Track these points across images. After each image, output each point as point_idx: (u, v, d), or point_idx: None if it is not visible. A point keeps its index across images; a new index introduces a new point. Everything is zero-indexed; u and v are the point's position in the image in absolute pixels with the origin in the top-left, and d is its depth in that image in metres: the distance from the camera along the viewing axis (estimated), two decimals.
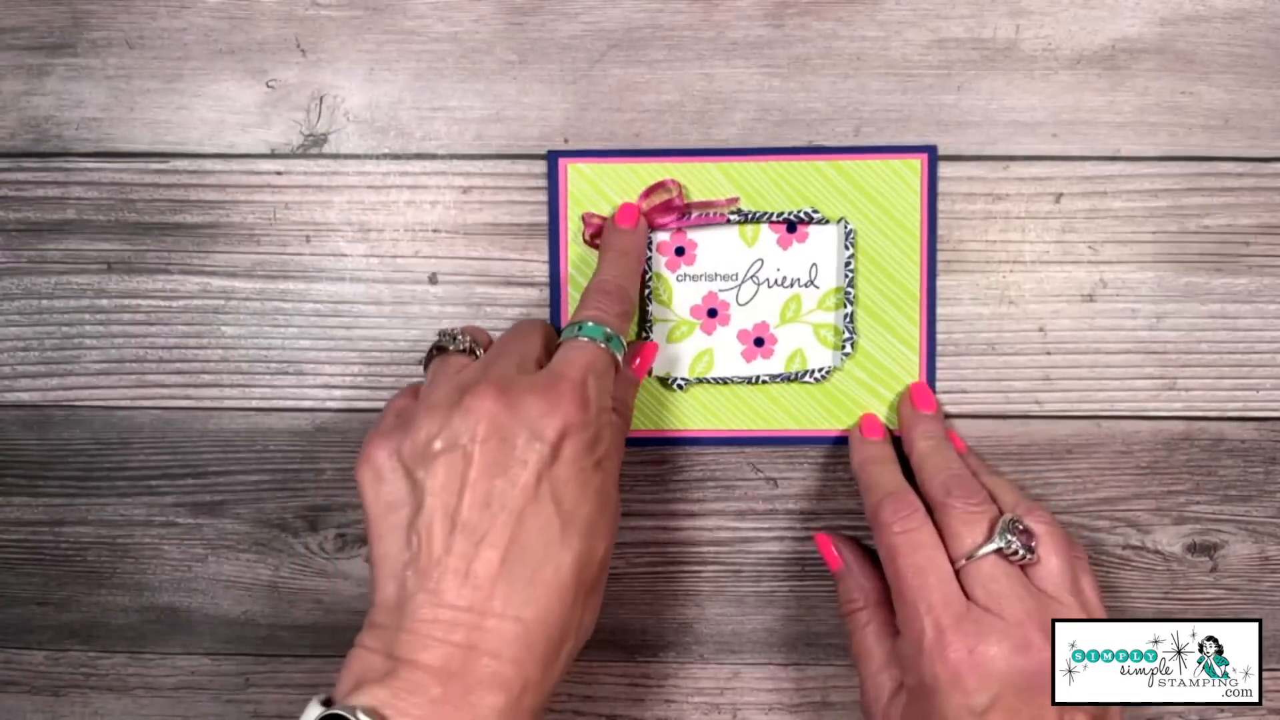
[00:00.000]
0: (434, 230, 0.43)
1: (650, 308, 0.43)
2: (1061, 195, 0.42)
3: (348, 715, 0.28)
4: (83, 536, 0.45)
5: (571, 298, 0.43)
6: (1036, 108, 0.42)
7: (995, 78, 0.42)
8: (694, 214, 0.42)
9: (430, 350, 0.38)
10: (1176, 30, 0.42)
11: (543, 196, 0.43)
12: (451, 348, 0.37)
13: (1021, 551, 0.36)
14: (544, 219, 0.43)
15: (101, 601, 0.45)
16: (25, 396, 0.44)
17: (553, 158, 0.42)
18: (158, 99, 0.43)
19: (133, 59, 0.43)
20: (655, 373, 0.43)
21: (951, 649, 0.34)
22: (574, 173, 0.42)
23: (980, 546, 0.36)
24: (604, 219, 0.42)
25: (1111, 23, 0.42)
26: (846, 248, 0.42)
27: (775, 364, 0.43)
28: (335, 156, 0.43)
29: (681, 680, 0.45)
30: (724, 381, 0.43)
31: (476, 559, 0.30)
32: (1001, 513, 0.37)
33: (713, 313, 0.43)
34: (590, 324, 0.36)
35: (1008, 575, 0.35)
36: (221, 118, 0.43)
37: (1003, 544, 0.35)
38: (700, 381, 0.43)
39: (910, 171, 0.42)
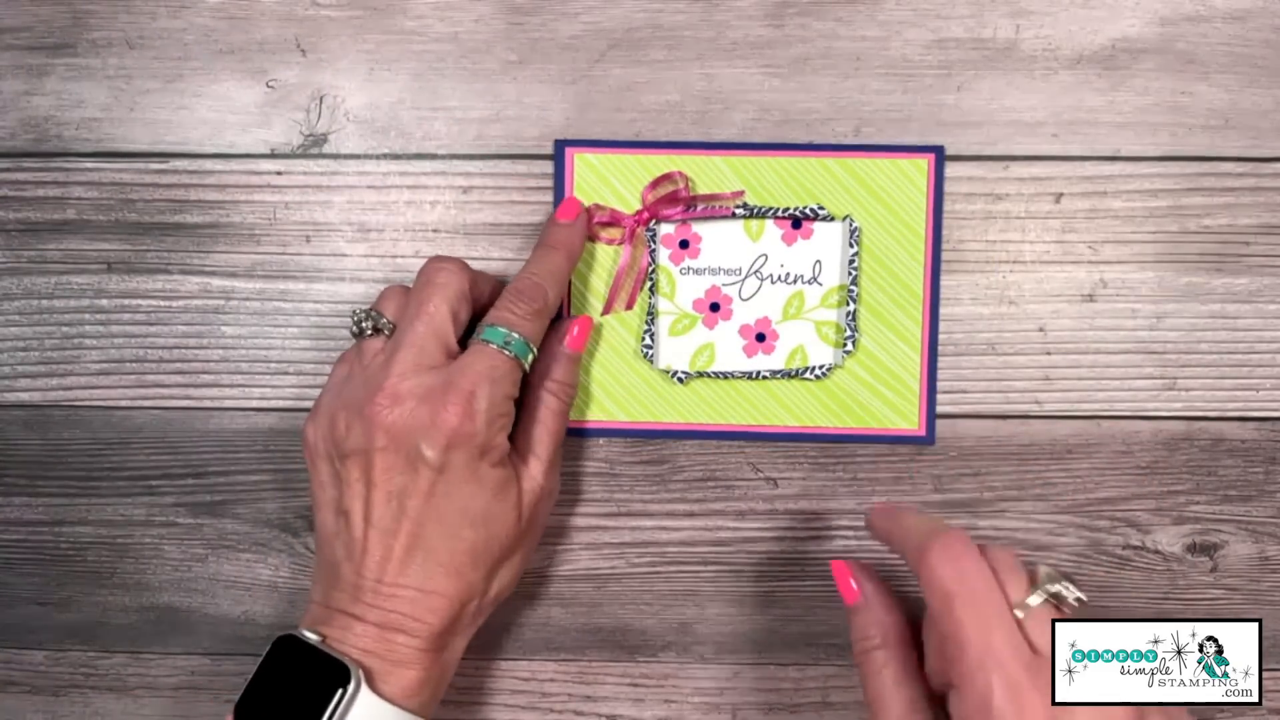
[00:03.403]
0: (434, 230, 0.43)
1: (653, 300, 0.43)
2: (1061, 195, 0.42)
3: (297, 635, 0.36)
4: (83, 536, 0.45)
5: (575, 289, 0.43)
6: (1036, 108, 0.42)
7: (995, 78, 0.42)
8: (699, 206, 0.42)
9: (350, 331, 0.40)
10: (1176, 30, 0.42)
11: (544, 197, 0.43)
12: (368, 331, 0.39)
13: (1075, 597, 0.34)
14: (544, 219, 0.43)
15: (101, 601, 0.45)
16: (25, 396, 0.44)
17: (559, 147, 0.42)
18: (158, 99, 0.43)
19: (133, 59, 0.43)
20: (657, 365, 0.43)
21: (1029, 709, 0.31)
22: (581, 163, 0.42)
23: (1032, 593, 0.33)
24: (613, 211, 0.42)
25: (1111, 23, 0.42)
26: (851, 245, 0.42)
27: (776, 360, 0.43)
28: (335, 156, 0.43)
29: (681, 680, 0.45)
30: (725, 376, 0.43)
31: (386, 547, 0.36)
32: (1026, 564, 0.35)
33: (715, 307, 0.43)
34: (493, 327, 0.38)
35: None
36: (221, 118, 0.43)
37: (1061, 588, 0.33)
38: (701, 375, 0.43)
39: (917, 171, 0.42)
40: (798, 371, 0.43)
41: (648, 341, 0.43)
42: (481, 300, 0.40)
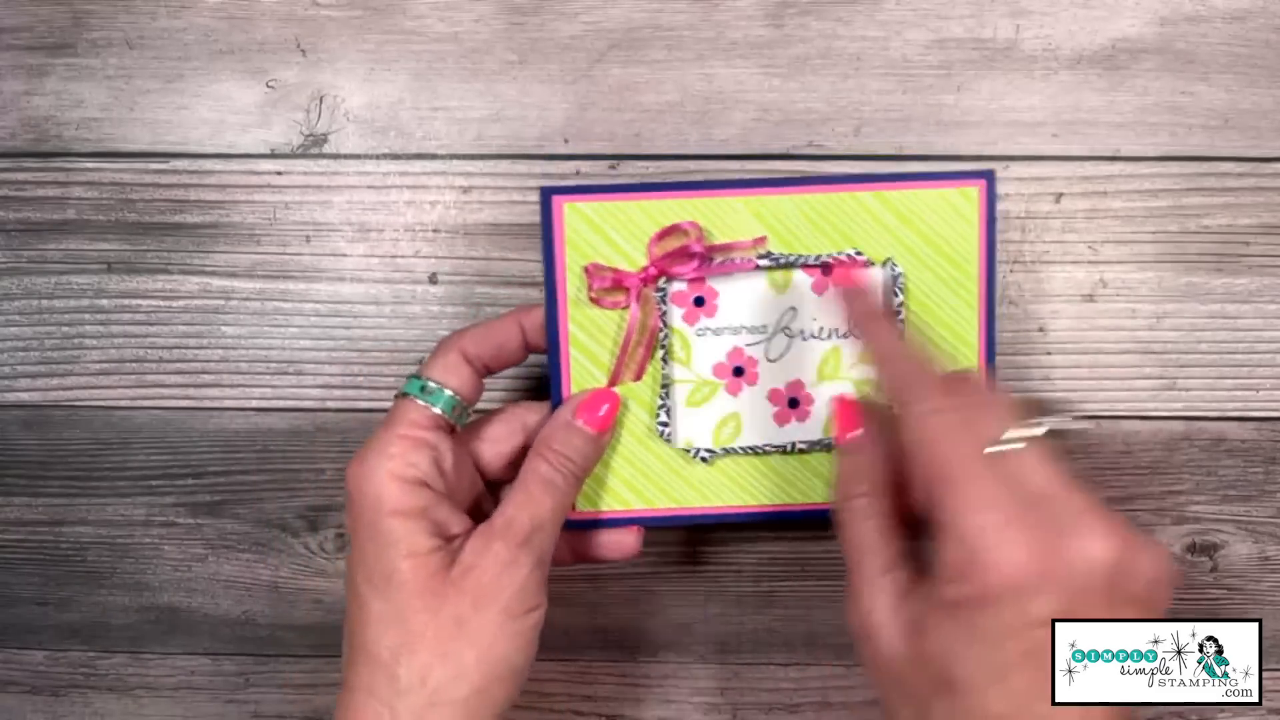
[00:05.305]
0: (434, 230, 0.43)
1: (666, 369, 0.37)
2: (1061, 195, 0.42)
3: None
4: (83, 536, 0.45)
5: (575, 362, 0.37)
6: (1036, 108, 0.42)
7: (995, 78, 0.42)
8: (716, 260, 0.37)
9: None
10: (1176, 30, 0.42)
11: None
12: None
13: (1074, 418, 0.31)
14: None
15: (101, 601, 0.45)
16: (25, 396, 0.44)
17: (545, 196, 0.36)
18: (158, 99, 0.43)
19: (133, 59, 0.43)
20: (674, 443, 0.38)
21: (1015, 550, 0.29)
22: (572, 213, 0.36)
23: (1027, 426, 0.30)
24: (615, 272, 0.36)
25: (1111, 23, 0.42)
26: (895, 294, 0.37)
27: (812, 428, 0.38)
28: (335, 156, 0.43)
29: (681, 680, 0.45)
30: (754, 451, 0.38)
31: None
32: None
33: (739, 371, 0.37)
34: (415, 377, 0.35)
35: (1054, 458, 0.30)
36: (221, 118, 0.43)
37: (1054, 422, 0.30)
38: (727, 452, 0.38)
39: (965, 201, 0.37)
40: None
41: (663, 418, 0.37)
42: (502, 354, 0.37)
